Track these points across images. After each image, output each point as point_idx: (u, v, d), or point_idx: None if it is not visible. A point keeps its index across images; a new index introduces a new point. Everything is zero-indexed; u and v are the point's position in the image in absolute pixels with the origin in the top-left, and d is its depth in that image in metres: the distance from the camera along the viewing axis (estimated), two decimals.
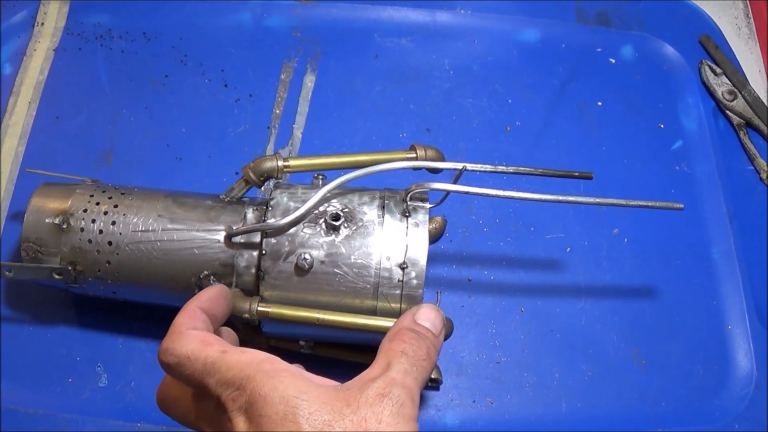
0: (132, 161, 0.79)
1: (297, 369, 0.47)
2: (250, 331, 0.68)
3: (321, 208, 0.63)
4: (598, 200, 0.66)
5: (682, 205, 0.66)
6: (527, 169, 0.66)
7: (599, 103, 0.85)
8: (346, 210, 0.63)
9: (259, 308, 0.61)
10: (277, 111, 0.82)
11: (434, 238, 0.76)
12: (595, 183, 0.79)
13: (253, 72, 0.84)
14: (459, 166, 0.65)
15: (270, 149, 0.80)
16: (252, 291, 0.63)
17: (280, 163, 0.66)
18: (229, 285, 0.64)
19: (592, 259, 0.77)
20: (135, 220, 0.64)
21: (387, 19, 0.88)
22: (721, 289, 0.77)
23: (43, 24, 0.86)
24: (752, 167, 0.83)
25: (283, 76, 0.84)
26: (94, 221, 0.64)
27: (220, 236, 0.64)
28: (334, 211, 0.62)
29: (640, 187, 0.81)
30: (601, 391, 0.71)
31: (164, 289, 0.65)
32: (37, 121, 0.81)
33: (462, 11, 0.89)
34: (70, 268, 0.64)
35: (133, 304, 0.69)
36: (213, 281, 0.64)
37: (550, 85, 0.86)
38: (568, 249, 0.77)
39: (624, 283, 0.76)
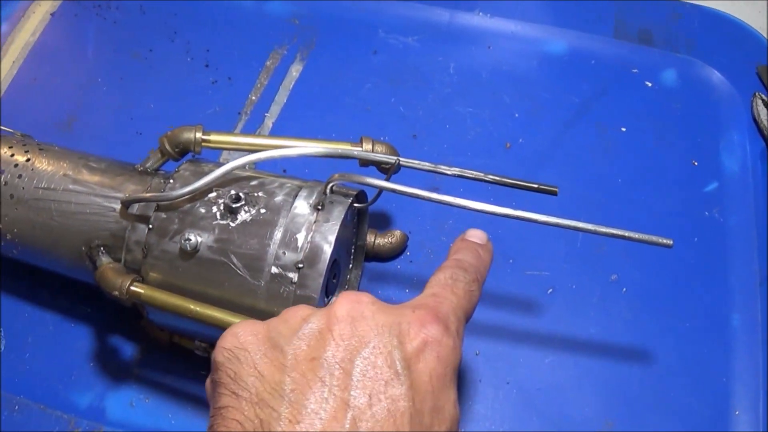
0: (93, 129, 0.74)
1: None
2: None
3: (226, 188, 0.54)
4: (558, 221, 0.52)
5: (671, 242, 0.53)
6: (474, 174, 0.55)
7: (623, 129, 0.72)
8: (252, 194, 0.54)
9: (131, 288, 0.53)
10: (253, 97, 0.74)
11: (390, 254, 0.66)
12: (602, 217, 0.67)
13: (239, 55, 0.77)
14: (392, 159, 0.55)
15: None
16: (140, 271, 0.55)
17: (199, 135, 0.58)
18: (118, 260, 0.56)
19: (578, 306, 0.64)
20: (41, 175, 0.59)
21: (395, 14, 0.79)
22: (735, 365, 0.61)
23: None
24: None
25: (268, 63, 0.76)
26: (2, 172, 0.59)
27: (118, 205, 0.57)
28: (236, 192, 0.53)
29: (657, 229, 0.66)
30: None
31: (56, 255, 0.59)
32: (15, 80, 0.78)
33: (480, 14, 0.79)
34: None
35: (46, 274, 0.63)
36: (102, 253, 0.56)
37: (568, 103, 0.73)
38: (550, 290, 0.64)
39: (611, 340, 0.62)
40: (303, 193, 0.54)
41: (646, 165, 0.70)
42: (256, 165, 0.61)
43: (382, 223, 0.68)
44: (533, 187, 0.55)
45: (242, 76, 0.76)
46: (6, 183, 0.59)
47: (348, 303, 0.42)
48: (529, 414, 0.59)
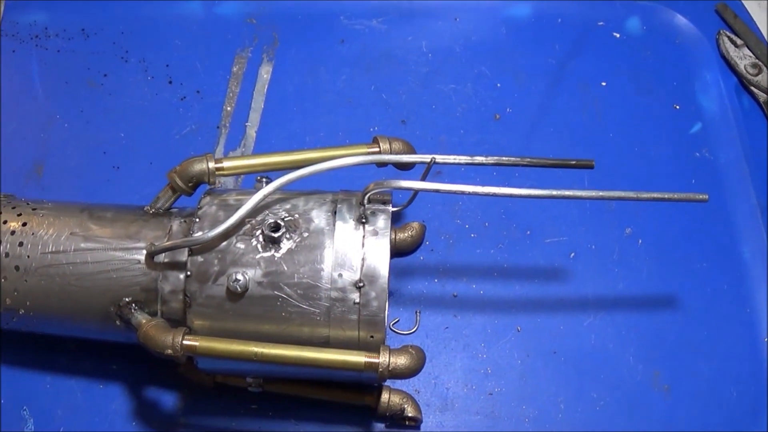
0: (65, 172, 0.69)
1: None
2: (193, 366, 0.57)
3: (259, 217, 0.52)
4: (602, 194, 0.53)
5: (706, 196, 0.54)
6: (512, 159, 0.54)
7: (603, 84, 0.73)
8: (289, 218, 0.52)
9: (185, 342, 0.50)
10: (228, 108, 0.71)
11: (411, 247, 0.65)
12: (602, 175, 0.68)
13: (202, 66, 0.73)
14: (426, 158, 0.54)
15: (219, 152, 0.69)
16: (182, 321, 0.52)
17: (212, 165, 0.55)
18: (154, 314, 0.53)
19: (601, 265, 0.65)
20: (45, 239, 0.54)
21: None
22: (755, 294, 0.65)
23: None
24: None
25: (235, 69, 0.73)
26: None
27: (141, 255, 0.53)
28: (274, 221, 0.51)
29: (654, 179, 0.69)
30: (617, 423, 0.60)
31: (81, 321, 0.55)
32: None
33: None
34: None
35: (60, 338, 0.59)
36: (135, 310, 0.53)
37: (545, 66, 0.74)
38: (572, 255, 0.66)
39: (640, 292, 0.64)
40: (341, 208, 0.52)
41: (632, 115, 0.72)
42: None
43: (394, 217, 0.67)
44: (571, 164, 0.55)
45: (211, 87, 0.72)
46: (7, 254, 0.54)
47: None
48: (581, 379, 0.61)
